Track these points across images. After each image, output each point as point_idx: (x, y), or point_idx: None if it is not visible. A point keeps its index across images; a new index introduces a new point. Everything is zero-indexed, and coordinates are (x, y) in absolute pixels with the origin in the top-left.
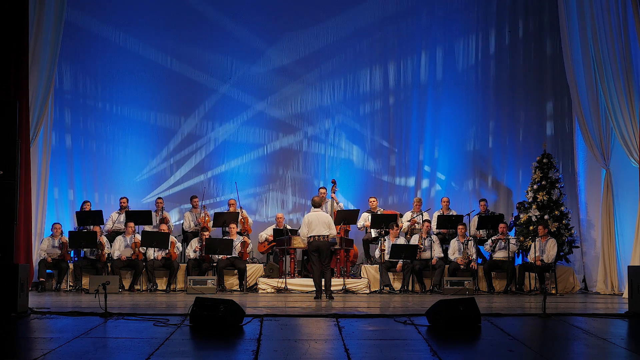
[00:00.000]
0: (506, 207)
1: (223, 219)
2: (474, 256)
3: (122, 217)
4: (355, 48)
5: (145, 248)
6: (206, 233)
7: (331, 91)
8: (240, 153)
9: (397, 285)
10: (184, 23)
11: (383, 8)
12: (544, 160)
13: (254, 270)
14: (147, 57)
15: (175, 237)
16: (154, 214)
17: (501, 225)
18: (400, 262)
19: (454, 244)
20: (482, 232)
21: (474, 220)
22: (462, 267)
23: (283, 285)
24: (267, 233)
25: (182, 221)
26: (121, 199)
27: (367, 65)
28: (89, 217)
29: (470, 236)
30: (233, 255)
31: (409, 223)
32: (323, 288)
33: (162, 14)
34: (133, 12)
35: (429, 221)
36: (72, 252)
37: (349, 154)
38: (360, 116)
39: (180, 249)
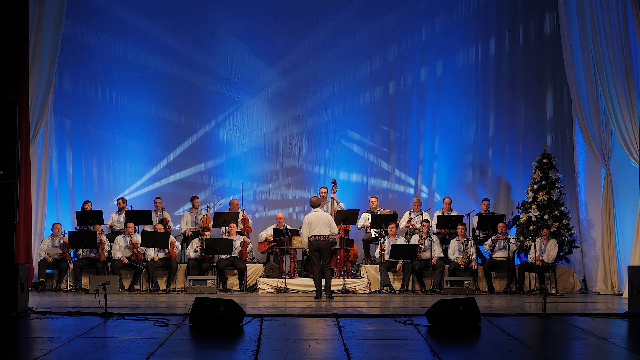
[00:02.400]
0: (506, 207)
1: (223, 219)
2: (474, 256)
3: (122, 217)
4: (355, 49)
5: (144, 248)
6: (207, 233)
7: (331, 91)
8: (241, 153)
9: (397, 285)
10: (185, 24)
11: (383, 6)
12: (544, 160)
13: (254, 270)
14: (148, 57)
15: (175, 237)
16: (153, 214)
17: (500, 225)
18: (400, 262)
19: (454, 244)
20: (482, 233)
21: (474, 220)
22: (462, 267)
23: (283, 285)
24: (267, 233)
25: (182, 223)
26: (118, 199)
27: (367, 65)
28: (89, 217)
29: (470, 236)
30: (233, 255)
31: (406, 224)
32: (323, 288)
33: (164, 14)
34: (134, 12)
35: (429, 221)
36: (72, 252)
37: (349, 155)
38: (361, 116)
39: (180, 248)
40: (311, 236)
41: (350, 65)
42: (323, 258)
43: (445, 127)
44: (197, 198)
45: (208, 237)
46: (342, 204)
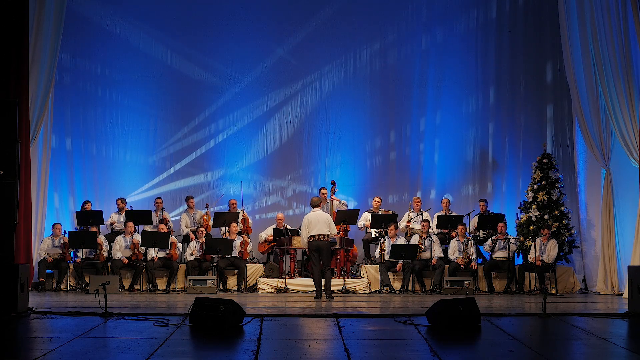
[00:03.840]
0: (506, 207)
1: (223, 219)
2: (474, 256)
3: (122, 217)
4: (356, 47)
5: (144, 248)
6: (201, 229)
7: (331, 90)
8: (241, 153)
9: (397, 285)
10: (185, 22)
11: (383, 5)
12: (544, 160)
13: (254, 270)
14: (149, 56)
15: (176, 237)
16: (153, 214)
17: (500, 224)
18: (400, 262)
19: (454, 244)
20: (482, 232)
21: (474, 220)
22: (462, 267)
23: (283, 285)
24: (267, 233)
25: (180, 226)
26: (117, 200)
27: (367, 64)
28: (89, 217)
29: (470, 236)
30: (233, 255)
31: (405, 223)
32: (323, 288)
33: (164, 13)
34: (136, 11)
35: (429, 221)
36: (72, 252)
37: (350, 155)
38: (360, 116)
39: (181, 249)
40: (310, 236)
41: (351, 64)
42: (322, 258)
43: (444, 126)
44: (192, 198)
45: (203, 235)
46: (344, 202)
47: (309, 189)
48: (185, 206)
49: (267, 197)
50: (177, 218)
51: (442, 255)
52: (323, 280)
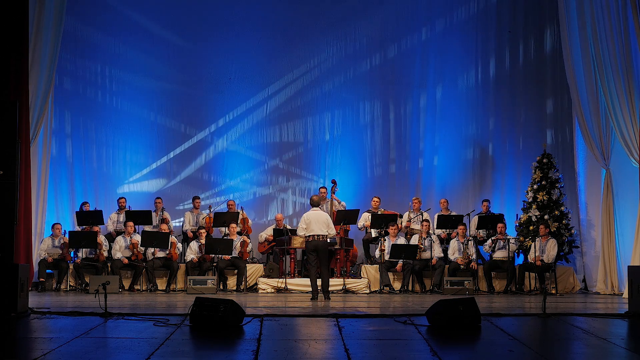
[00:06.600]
0: (506, 207)
1: (223, 219)
2: (474, 256)
3: (122, 217)
4: (355, 46)
5: (144, 248)
6: (202, 231)
7: (332, 92)
8: (242, 153)
9: (397, 285)
10: (187, 25)
11: (382, 6)
12: (544, 160)
13: (254, 270)
14: (149, 58)
15: (176, 237)
16: (153, 214)
17: (499, 225)
18: (400, 262)
19: (454, 244)
20: (482, 233)
21: (474, 220)
22: (462, 267)
23: (283, 285)
24: (267, 233)
25: (182, 221)
26: (119, 199)
27: (367, 65)
28: (89, 217)
29: (470, 236)
30: (233, 255)
31: (405, 224)
32: (319, 288)
33: (166, 15)
34: (137, 12)
35: (429, 221)
36: (73, 252)
37: (350, 156)
38: (360, 114)
39: (181, 249)
40: (309, 236)
41: (350, 63)
42: (320, 258)
43: (444, 126)
44: (199, 198)
45: (204, 235)
46: (343, 203)
47: (309, 188)
48: (190, 205)
49: (268, 197)
50: (178, 225)
51: (442, 255)
52: (319, 280)
